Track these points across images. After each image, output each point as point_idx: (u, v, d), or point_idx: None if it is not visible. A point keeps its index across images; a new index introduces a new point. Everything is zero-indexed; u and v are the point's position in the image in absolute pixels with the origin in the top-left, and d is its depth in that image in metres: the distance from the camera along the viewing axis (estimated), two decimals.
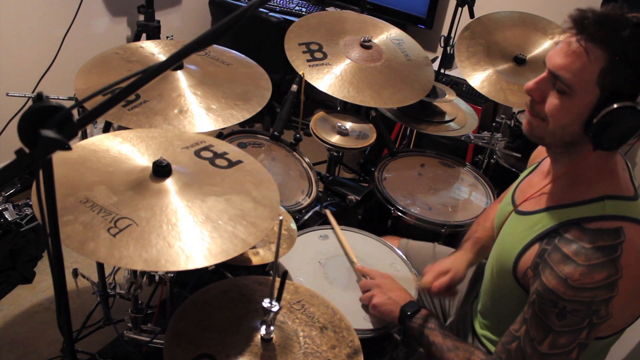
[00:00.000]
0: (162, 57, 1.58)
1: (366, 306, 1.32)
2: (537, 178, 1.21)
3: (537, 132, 1.07)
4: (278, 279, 1.00)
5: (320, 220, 1.76)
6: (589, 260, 0.95)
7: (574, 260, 0.96)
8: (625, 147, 2.68)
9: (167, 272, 1.33)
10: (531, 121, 1.07)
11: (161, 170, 1.08)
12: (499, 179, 2.10)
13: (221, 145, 1.27)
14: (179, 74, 1.46)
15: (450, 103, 2.12)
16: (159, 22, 2.42)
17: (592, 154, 1.01)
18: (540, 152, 1.32)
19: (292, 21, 1.97)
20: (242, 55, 1.70)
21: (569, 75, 0.97)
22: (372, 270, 1.38)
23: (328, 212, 1.66)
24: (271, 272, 1.23)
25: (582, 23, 0.95)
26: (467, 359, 1.10)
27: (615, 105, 0.94)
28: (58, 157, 0.66)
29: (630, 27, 0.92)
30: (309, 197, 1.72)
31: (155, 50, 1.60)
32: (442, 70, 2.52)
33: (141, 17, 2.43)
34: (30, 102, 0.61)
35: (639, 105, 0.93)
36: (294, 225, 1.44)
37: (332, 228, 1.58)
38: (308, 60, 1.81)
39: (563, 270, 0.97)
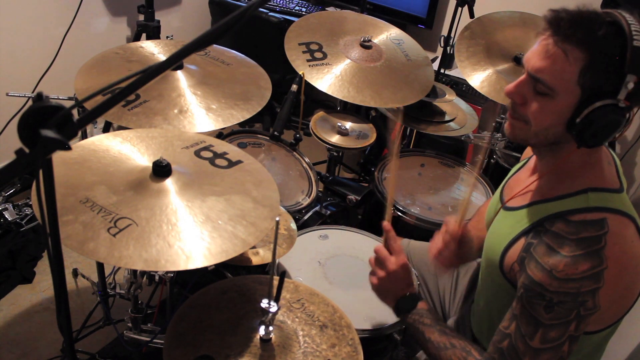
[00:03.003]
0: (162, 57, 1.58)
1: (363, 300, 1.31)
2: (524, 175, 1.22)
3: (521, 135, 1.07)
4: (276, 280, 1.00)
5: (320, 220, 1.76)
6: (573, 252, 0.96)
7: (559, 252, 0.97)
8: (624, 146, 2.68)
9: (167, 272, 1.33)
10: (513, 124, 1.08)
11: (161, 170, 1.08)
12: (499, 179, 2.09)
13: (221, 145, 1.27)
14: (179, 74, 1.46)
15: (450, 103, 2.12)
16: (159, 22, 2.42)
17: (576, 151, 1.02)
18: (529, 150, 1.33)
19: (292, 21, 1.97)
20: (242, 55, 1.71)
21: (549, 77, 0.97)
22: (397, 243, 1.25)
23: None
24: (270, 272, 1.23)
25: (557, 24, 0.96)
26: (463, 357, 1.10)
27: (597, 104, 0.95)
28: (58, 157, 0.66)
29: (605, 26, 0.93)
30: (309, 197, 1.72)
31: (155, 50, 1.60)
32: (442, 70, 2.52)
33: (141, 17, 2.43)
34: (30, 102, 0.61)
35: (621, 102, 0.94)
36: (294, 225, 1.44)
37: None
38: (308, 60, 1.81)
39: (548, 262, 0.97)
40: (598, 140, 0.98)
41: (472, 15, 2.12)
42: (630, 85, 0.92)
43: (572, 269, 0.95)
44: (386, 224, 1.26)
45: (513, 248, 1.09)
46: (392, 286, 1.23)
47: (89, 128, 1.84)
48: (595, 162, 1.06)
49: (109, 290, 1.73)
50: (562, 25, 0.95)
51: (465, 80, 1.94)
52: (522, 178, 1.21)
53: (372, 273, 1.25)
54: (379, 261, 1.24)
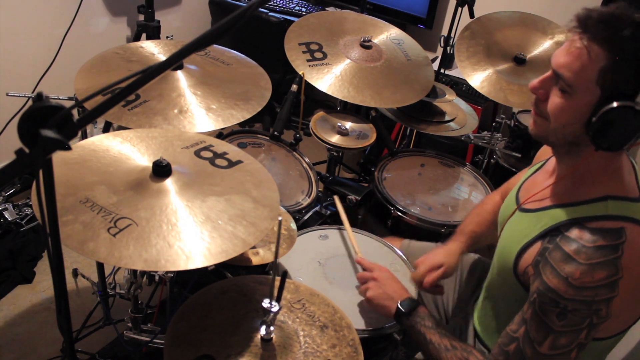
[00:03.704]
0: (162, 57, 1.58)
1: (362, 300, 1.32)
2: (541, 177, 1.21)
3: (541, 131, 1.07)
4: (278, 279, 1.00)
5: (320, 220, 1.76)
6: (589, 259, 0.95)
7: (575, 259, 0.96)
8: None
9: (167, 272, 1.33)
10: (536, 120, 1.08)
11: (161, 170, 1.08)
12: (499, 179, 2.10)
13: (221, 145, 1.27)
14: (179, 74, 1.46)
15: (450, 103, 2.12)
16: (159, 22, 2.42)
17: (596, 155, 1.01)
18: (545, 150, 1.33)
19: (292, 21, 1.97)
20: (242, 55, 1.70)
21: (569, 74, 0.97)
22: (372, 263, 1.37)
23: (336, 199, 1.64)
24: (271, 272, 1.23)
25: (585, 22, 0.95)
26: (464, 358, 1.10)
27: (614, 105, 0.94)
28: (58, 157, 0.67)
29: (631, 26, 0.92)
30: (309, 197, 1.72)
31: (155, 50, 1.60)
32: (442, 70, 2.52)
33: (141, 17, 2.43)
34: (30, 102, 0.61)
35: (638, 105, 0.93)
36: (294, 225, 1.44)
37: (339, 215, 1.57)
38: (308, 60, 1.81)
39: (564, 269, 0.96)
40: (614, 143, 0.96)
41: (472, 15, 2.12)
42: None
43: (588, 277, 0.95)
44: (358, 259, 1.42)
45: (528, 251, 1.08)
46: (389, 289, 1.27)
47: (89, 128, 1.84)
48: (616, 169, 1.04)
49: (109, 290, 1.73)
50: (589, 23, 0.95)
51: (465, 80, 1.94)
52: (540, 180, 1.20)
53: (365, 289, 1.30)
54: (364, 279, 1.33)
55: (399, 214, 1.74)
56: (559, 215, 1.06)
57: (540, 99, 1.05)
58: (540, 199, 1.14)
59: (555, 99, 1.01)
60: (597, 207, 1.02)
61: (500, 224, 1.27)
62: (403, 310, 1.22)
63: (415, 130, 2.29)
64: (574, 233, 1.00)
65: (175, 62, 0.64)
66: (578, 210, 1.03)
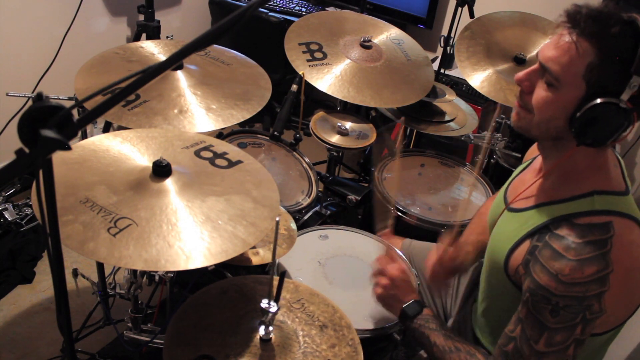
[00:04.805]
0: (162, 57, 1.58)
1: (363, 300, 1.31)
2: (529, 175, 1.21)
3: (523, 124, 1.07)
4: (276, 280, 1.00)
5: (320, 220, 1.76)
6: (579, 255, 0.96)
7: (564, 256, 0.97)
8: (624, 146, 2.68)
9: (167, 272, 1.33)
10: (519, 112, 1.08)
11: (161, 170, 1.08)
12: (499, 179, 2.10)
13: (221, 145, 1.27)
14: (179, 74, 1.46)
15: (450, 103, 2.12)
16: (159, 22, 2.42)
17: (580, 150, 1.02)
18: (533, 150, 1.33)
19: (292, 21, 1.97)
20: (242, 55, 1.71)
21: (556, 67, 0.97)
22: (393, 251, 1.38)
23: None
24: (270, 272, 1.23)
25: (575, 17, 0.96)
26: None
27: (597, 101, 0.94)
28: (58, 157, 0.66)
29: (620, 24, 0.93)
30: (309, 197, 1.72)
31: (155, 50, 1.60)
32: (442, 70, 2.52)
33: (141, 17, 2.43)
34: (30, 102, 0.61)
35: (622, 103, 0.93)
36: (294, 225, 1.44)
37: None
38: (308, 60, 1.81)
39: (554, 266, 0.97)
40: (596, 139, 0.97)
41: (472, 15, 2.12)
42: (635, 88, 0.92)
43: (578, 272, 0.95)
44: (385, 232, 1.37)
45: (518, 250, 1.08)
46: (398, 292, 1.27)
47: (89, 128, 1.84)
48: (602, 164, 1.05)
49: (109, 290, 1.72)
50: (578, 18, 0.95)
51: (465, 80, 1.94)
52: (527, 179, 1.20)
53: (375, 285, 1.29)
54: (379, 271, 1.30)
55: (399, 214, 1.74)
56: (547, 213, 1.06)
57: (525, 92, 1.05)
58: (528, 197, 1.14)
59: (540, 92, 1.01)
60: (584, 202, 1.02)
61: (490, 225, 1.27)
62: (408, 313, 1.22)
63: (415, 130, 2.29)
64: (563, 230, 1.00)
65: (175, 62, 0.64)
66: (566, 207, 1.04)
